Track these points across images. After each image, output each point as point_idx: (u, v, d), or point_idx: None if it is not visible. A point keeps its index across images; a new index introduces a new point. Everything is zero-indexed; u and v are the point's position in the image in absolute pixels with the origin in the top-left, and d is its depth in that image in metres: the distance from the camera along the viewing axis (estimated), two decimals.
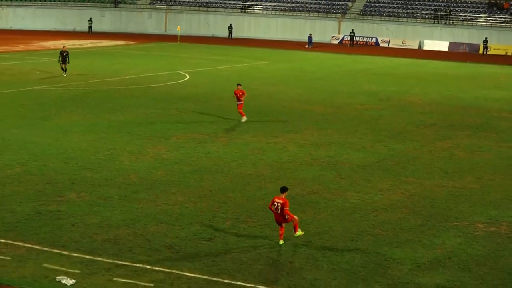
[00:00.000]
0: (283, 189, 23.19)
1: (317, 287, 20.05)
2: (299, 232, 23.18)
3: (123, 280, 20.01)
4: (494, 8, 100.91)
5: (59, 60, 60.55)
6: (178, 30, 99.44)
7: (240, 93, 42.80)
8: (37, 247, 22.21)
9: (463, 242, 24.01)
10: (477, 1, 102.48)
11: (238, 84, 43.59)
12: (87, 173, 30.66)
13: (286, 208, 22.73)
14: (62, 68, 60.47)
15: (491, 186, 30.85)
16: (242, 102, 42.90)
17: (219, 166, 32.47)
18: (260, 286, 19.98)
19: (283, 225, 23.06)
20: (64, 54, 60.11)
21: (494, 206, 28.01)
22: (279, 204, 22.74)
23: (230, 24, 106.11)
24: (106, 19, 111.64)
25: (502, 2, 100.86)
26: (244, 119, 42.73)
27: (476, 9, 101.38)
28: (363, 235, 24.23)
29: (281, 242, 23.06)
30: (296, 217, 23.14)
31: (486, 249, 23.39)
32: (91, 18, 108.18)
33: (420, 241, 23.93)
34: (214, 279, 20.35)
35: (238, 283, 20.13)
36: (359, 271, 21.27)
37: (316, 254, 22.49)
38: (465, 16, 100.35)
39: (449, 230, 25.07)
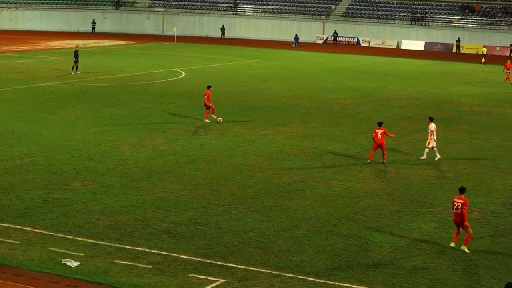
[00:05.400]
0: (461, 190, 22.18)
1: (303, 268, 20.05)
2: (465, 248, 21.75)
3: (124, 262, 19.98)
4: (466, 11, 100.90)
5: (75, 59, 58.67)
6: (175, 31, 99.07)
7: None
8: (44, 231, 22.15)
9: (438, 226, 24.05)
10: (450, 4, 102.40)
11: (209, 86, 40.55)
12: (91, 163, 30.57)
13: (465, 208, 21.62)
14: (74, 67, 58.86)
15: (463, 175, 30.89)
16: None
17: (213, 157, 32.41)
18: (250, 267, 19.96)
19: (460, 229, 21.83)
20: (78, 53, 59.06)
21: (466, 194, 27.77)
22: (459, 204, 21.68)
23: (223, 25, 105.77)
24: (108, 21, 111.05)
25: (473, 5, 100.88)
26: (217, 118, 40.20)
27: (450, 11, 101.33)
28: (345, 220, 24.23)
29: (452, 244, 21.90)
30: (470, 229, 21.72)
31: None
32: (94, 20, 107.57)
33: (398, 226, 23.96)
34: (208, 261, 20.33)
35: (230, 265, 20.11)
36: (341, 253, 21.28)
37: (302, 237, 22.48)
38: (440, 18, 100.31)
39: (425, 216, 25.10)
